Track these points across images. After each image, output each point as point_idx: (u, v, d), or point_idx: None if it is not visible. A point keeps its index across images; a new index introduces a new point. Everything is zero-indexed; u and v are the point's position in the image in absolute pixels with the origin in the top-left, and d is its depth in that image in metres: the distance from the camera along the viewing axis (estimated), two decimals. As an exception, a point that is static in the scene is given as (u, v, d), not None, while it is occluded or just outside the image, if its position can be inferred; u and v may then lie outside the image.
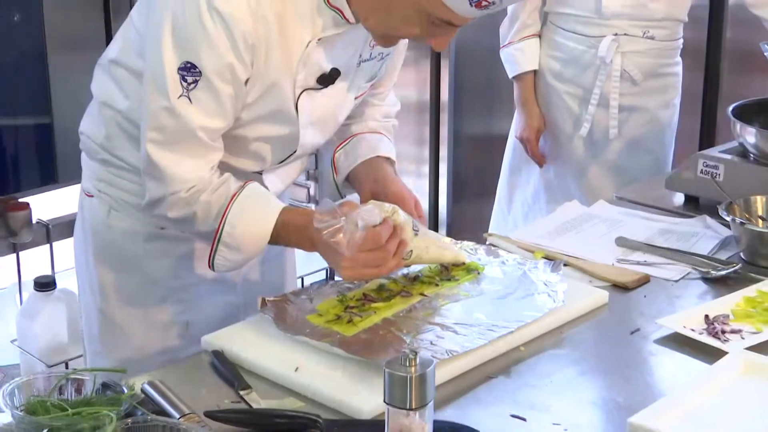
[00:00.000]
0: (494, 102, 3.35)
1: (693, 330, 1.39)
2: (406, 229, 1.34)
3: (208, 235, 1.36)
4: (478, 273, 1.52)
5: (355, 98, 1.47)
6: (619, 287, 1.56)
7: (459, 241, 1.63)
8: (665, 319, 1.42)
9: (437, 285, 1.47)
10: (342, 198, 1.56)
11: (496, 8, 1.26)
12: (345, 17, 1.33)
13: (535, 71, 2.45)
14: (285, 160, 1.46)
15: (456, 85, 3.26)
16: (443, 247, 1.47)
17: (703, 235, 1.75)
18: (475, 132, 3.39)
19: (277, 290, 1.58)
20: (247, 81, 1.32)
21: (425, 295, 1.44)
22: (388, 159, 1.53)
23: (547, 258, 1.62)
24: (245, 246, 1.35)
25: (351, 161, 1.53)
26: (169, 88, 1.28)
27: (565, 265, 1.58)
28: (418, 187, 3.34)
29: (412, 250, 1.38)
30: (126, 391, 1.13)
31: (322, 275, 2.94)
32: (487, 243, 1.73)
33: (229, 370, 1.27)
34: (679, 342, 1.38)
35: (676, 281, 1.58)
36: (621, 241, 1.72)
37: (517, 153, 2.57)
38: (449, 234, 3.24)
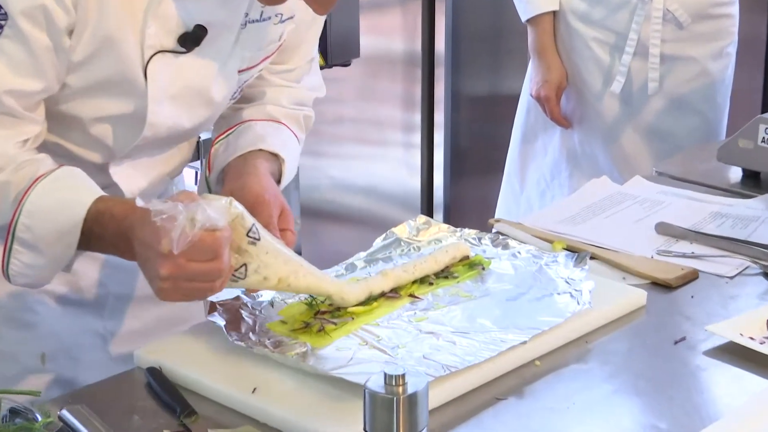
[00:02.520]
0: (502, 53, 3.36)
1: (752, 339, 1.40)
2: (236, 230, 1.23)
3: (3, 229, 1.27)
4: (483, 269, 1.53)
5: (240, 71, 1.42)
6: (660, 285, 1.57)
7: (459, 229, 1.64)
8: (717, 326, 1.43)
9: (431, 284, 1.48)
10: None
11: None
12: None
13: (554, 12, 2.46)
14: (138, 147, 1.40)
15: (454, 32, 3.26)
16: (318, 276, 1.34)
17: (765, 219, 1.77)
18: (479, 91, 3.40)
19: (178, 310, 1.55)
20: (71, 32, 1.26)
21: (416, 297, 1.45)
22: (274, 155, 1.47)
23: (570, 249, 1.63)
24: (47, 245, 1.25)
25: (228, 155, 1.47)
26: None
27: (591, 258, 1.59)
28: (407, 161, 3.35)
29: (246, 266, 1.25)
30: (40, 419, 1.13)
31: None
32: (494, 231, 1.74)
33: (168, 392, 1.28)
34: (734, 353, 1.39)
35: (731, 278, 1.60)
36: (662, 228, 1.74)
37: (532, 116, 2.58)
38: (446, 220, 3.25)
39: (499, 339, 1.34)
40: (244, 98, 1.52)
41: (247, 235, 1.24)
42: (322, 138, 3.49)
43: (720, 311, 1.51)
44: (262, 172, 1.42)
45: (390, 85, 3.35)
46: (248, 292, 1.40)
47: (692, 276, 1.60)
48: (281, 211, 1.38)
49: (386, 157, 3.40)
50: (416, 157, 3.33)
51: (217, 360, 1.33)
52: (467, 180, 3.38)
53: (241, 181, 1.39)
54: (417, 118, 3.31)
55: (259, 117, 1.52)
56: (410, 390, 1.03)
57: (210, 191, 1.49)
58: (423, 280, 1.49)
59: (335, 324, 1.36)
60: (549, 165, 2.57)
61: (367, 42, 2.92)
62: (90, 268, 1.50)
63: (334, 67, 2.80)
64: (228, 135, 1.50)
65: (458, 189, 3.36)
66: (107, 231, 1.25)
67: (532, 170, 2.60)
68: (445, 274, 1.51)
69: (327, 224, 3.63)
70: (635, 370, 1.38)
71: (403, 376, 1.03)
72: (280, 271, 1.27)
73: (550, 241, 1.67)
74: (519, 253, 1.57)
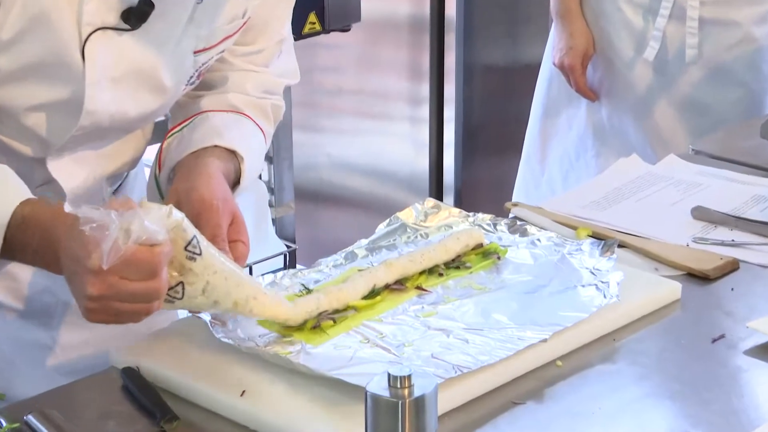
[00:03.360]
0: (520, 17, 3.35)
1: (799, 335, 1.41)
2: (176, 243, 1.18)
3: None
4: (499, 258, 1.53)
5: (196, 53, 1.40)
6: (696, 277, 1.58)
7: (471, 214, 1.64)
8: (760, 322, 1.44)
9: (441, 275, 1.49)
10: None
11: None
12: None
13: (580, -29, 2.46)
14: (76, 138, 1.37)
15: (467, -6, 3.27)
16: (258, 289, 1.29)
17: (814, 202, 1.77)
18: (494, 60, 3.40)
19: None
20: None
21: (424, 290, 1.46)
22: (232, 152, 1.42)
23: (595, 237, 1.63)
24: None
25: (180, 150, 1.42)
26: None
27: (619, 246, 1.60)
28: (413, 138, 3.35)
29: (182, 284, 1.21)
30: (4, 424, 1.14)
31: (277, 263, 2.95)
32: (511, 216, 1.74)
33: (148, 395, 1.28)
34: (779, 352, 1.40)
35: (777, 268, 1.61)
36: (699, 213, 1.74)
37: (554, 87, 2.58)
38: (457, 204, 3.26)
39: (516, 337, 1.34)
40: (204, 84, 1.48)
41: (185, 249, 1.18)
42: (319, 112, 3.50)
43: (763, 306, 1.51)
44: (213, 173, 1.37)
45: (395, 53, 3.35)
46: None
47: (732, 266, 1.60)
48: (232, 220, 1.34)
49: (390, 134, 3.40)
50: (424, 134, 3.33)
51: (201, 359, 1.34)
52: (481, 159, 3.38)
53: (189, 184, 1.35)
54: (425, 90, 3.31)
55: (219, 107, 1.48)
56: (417, 393, 1.03)
57: (160, 192, 1.46)
58: (431, 271, 1.49)
59: (334, 320, 1.37)
60: (573, 142, 2.56)
61: (368, 4, 2.92)
62: (36, 274, 1.45)
63: (332, 33, 2.80)
64: (182, 128, 1.46)
65: (471, 169, 3.37)
66: (32, 240, 1.21)
67: (554, 148, 2.60)
68: (456, 264, 1.51)
69: (324, 208, 3.63)
70: (668, 371, 1.38)
71: (410, 377, 1.03)
72: (234, 294, 1.24)
73: (574, 228, 1.67)
74: (539, 240, 1.58)
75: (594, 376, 1.35)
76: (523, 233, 1.60)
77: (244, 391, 1.27)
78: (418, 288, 1.46)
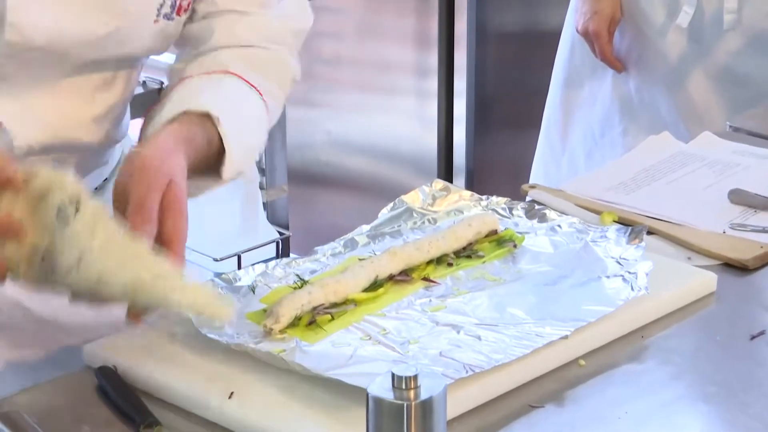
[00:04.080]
0: (540, -23, 3.35)
1: None
2: (44, 198, 1.13)
3: None
4: (515, 246, 1.54)
5: None
6: (734, 267, 1.58)
7: (484, 197, 1.64)
8: (805, 316, 1.44)
9: (450, 265, 1.49)
10: None
11: None
12: None
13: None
14: (14, 67, 1.31)
15: (480, -50, 3.26)
16: (172, 271, 1.19)
17: None
18: (509, 26, 3.40)
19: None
20: None
21: (432, 281, 1.46)
22: (206, 116, 1.33)
23: (622, 222, 1.63)
24: None
25: (154, 126, 1.35)
26: None
27: (649, 233, 1.60)
28: (420, 113, 3.35)
29: (49, 253, 1.14)
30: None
31: (269, 251, 2.96)
32: (528, 199, 1.74)
33: (126, 398, 1.29)
34: (825, 350, 1.40)
35: (823, 257, 1.61)
36: (737, 196, 1.74)
37: (577, 57, 2.58)
38: (469, 186, 3.26)
39: (534, 333, 1.35)
40: (192, 41, 1.43)
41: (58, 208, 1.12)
42: (315, 84, 3.49)
43: (808, 299, 1.52)
44: (162, 136, 1.28)
45: (399, 19, 3.35)
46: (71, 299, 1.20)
47: (774, 255, 1.60)
48: (169, 186, 1.23)
49: (395, 108, 3.40)
50: (432, 108, 3.33)
51: (185, 358, 1.34)
52: (495, 136, 3.38)
53: (135, 150, 1.27)
54: (433, 59, 3.31)
55: (201, 71, 1.40)
56: (424, 395, 1.03)
57: None
58: (440, 261, 1.49)
59: (331, 315, 1.37)
60: (598, 118, 2.56)
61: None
62: None
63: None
64: (162, 102, 1.38)
65: (484, 147, 3.37)
66: None
67: (577, 124, 2.60)
68: (467, 252, 1.52)
69: (321, 191, 3.63)
70: (702, 371, 1.38)
71: (416, 377, 1.03)
72: (129, 269, 1.14)
73: (598, 212, 1.68)
74: (559, 226, 1.58)
75: (620, 377, 1.36)
76: (542, 218, 1.60)
77: (232, 393, 1.27)
78: (425, 279, 1.46)
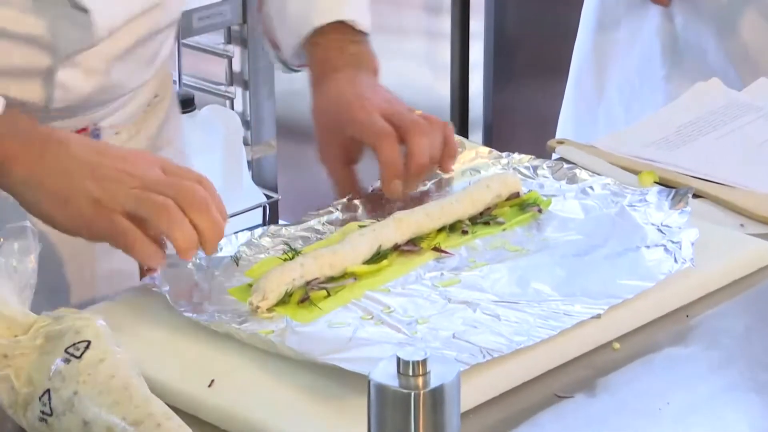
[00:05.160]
0: None
1: None
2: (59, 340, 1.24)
3: None
4: (540, 211, 1.54)
5: None
6: (795, 236, 1.59)
7: (505, 154, 1.64)
8: None
9: (465, 233, 1.50)
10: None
11: None
12: None
13: None
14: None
15: None
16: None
17: None
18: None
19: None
20: None
21: (444, 252, 1.47)
22: (356, 32, 1.62)
23: (664, 184, 1.64)
24: None
25: (289, 31, 1.61)
26: None
27: (695, 196, 1.60)
28: (431, 57, 3.34)
29: (49, 392, 1.22)
30: None
31: (255, 217, 2.96)
32: (556, 157, 1.74)
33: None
34: None
35: None
36: (799, 153, 1.74)
37: (612, -10, 2.57)
38: (487, 142, 3.26)
39: (562, 312, 1.35)
40: None
41: (66, 350, 1.22)
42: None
43: None
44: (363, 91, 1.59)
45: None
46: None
47: (840, 223, 1.61)
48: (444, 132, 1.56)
49: (402, 52, 3.39)
50: (445, 52, 3.33)
51: (158, 340, 1.35)
52: (517, 84, 3.38)
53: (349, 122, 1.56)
54: (446, -4, 3.31)
55: None
56: (434, 383, 1.04)
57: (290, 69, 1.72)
58: (453, 228, 1.50)
59: (327, 290, 1.38)
60: (636, 62, 2.56)
61: None
62: None
63: None
64: None
65: (504, 97, 3.36)
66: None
67: (612, 70, 2.59)
68: (485, 218, 1.52)
69: (314, 147, 3.63)
70: (755, 356, 1.38)
71: (425, 362, 1.04)
72: (114, 412, 1.19)
73: (636, 172, 1.68)
74: (591, 188, 1.58)
75: (660, 363, 1.36)
76: (571, 179, 1.60)
77: (212, 381, 1.28)
78: (436, 249, 1.47)
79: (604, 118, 2.60)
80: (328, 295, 1.38)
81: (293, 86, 3.53)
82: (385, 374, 1.05)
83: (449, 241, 1.48)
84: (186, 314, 1.34)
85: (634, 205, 1.54)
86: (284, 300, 1.36)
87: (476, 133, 3.32)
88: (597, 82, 2.62)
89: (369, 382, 1.05)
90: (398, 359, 1.04)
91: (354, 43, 1.65)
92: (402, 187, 1.52)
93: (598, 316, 1.36)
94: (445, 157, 1.56)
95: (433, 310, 1.36)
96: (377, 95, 1.59)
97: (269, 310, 1.35)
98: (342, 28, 1.64)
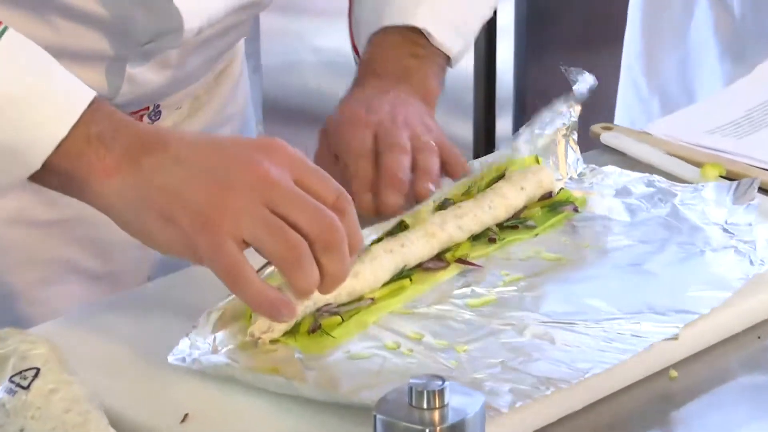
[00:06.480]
0: None
1: None
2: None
3: None
4: (576, 210, 1.55)
5: None
6: None
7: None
8: None
9: (493, 240, 1.50)
10: None
11: None
12: None
13: None
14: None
15: None
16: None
17: None
18: None
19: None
20: None
21: (470, 263, 1.46)
22: (426, 47, 1.66)
23: (731, 178, 1.64)
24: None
25: (363, 33, 1.71)
26: None
27: (762, 189, 1.59)
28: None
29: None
30: None
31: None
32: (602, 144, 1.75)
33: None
34: None
35: None
36: None
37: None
38: (517, 126, 3.26)
39: (629, 332, 1.34)
40: None
41: (10, 379, 1.21)
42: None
43: None
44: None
45: None
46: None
47: None
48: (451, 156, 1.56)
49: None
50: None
51: (122, 366, 1.35)
52: (552, 57, 3.38)
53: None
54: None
55: None
56: (453, 418, 1.03)
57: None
58: (479, 234, 1.50)
59: (339, 314, 1.37)
60: (694, 36, 2.57)
61: None
62: None
63: None
64: None
65: (537, 72, 3.37)
66: (110, 130, 1.34)
67: (666, 43, 2.60)
68: (513, 221, 1.52)
69: (308, 131, 3.63)
70: None
71: (442, 392, 1.04)
72: None
73: (698, 164, 1.68)
74: (633, 184, 1.60)
75: (730, 394, 1.35)
76: (618, 173, 1.62)
77: (185, 416, 1.28)
78: (461, 261, 1.46)
79: (655, 99, 2.61)
80: (342, 320, 1.37)
81: (284, 60, 3.55)
82: (394, 407, 1.04)
83: (475, 250, 1.48)
84: (173, 363, 1.32)
85: (688, 204, 1.55)
86: (292, 330, 1.35)
87: (505, 117, 3.32)
88: (647, 59, 2.63)
89: (375, 417, 1.05)
90: (410, 389, 1.04)
91: (415, 57, 1.67)
92: (372, 201, 1.50)
93: (676, 337, 1.35)
94: (450, 171, 1.57)
95: (471, 334, 1.35)
96: (390, 113, 1.58)
97: (272, 341, 1.34)
98: (412, 37, 1.67)
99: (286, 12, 3.50)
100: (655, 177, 1.61)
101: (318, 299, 1.35)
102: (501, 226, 1.52)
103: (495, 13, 3.26)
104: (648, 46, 2.62)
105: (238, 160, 1.31)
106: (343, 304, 1.38)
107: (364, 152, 1.52)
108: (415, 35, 1.66)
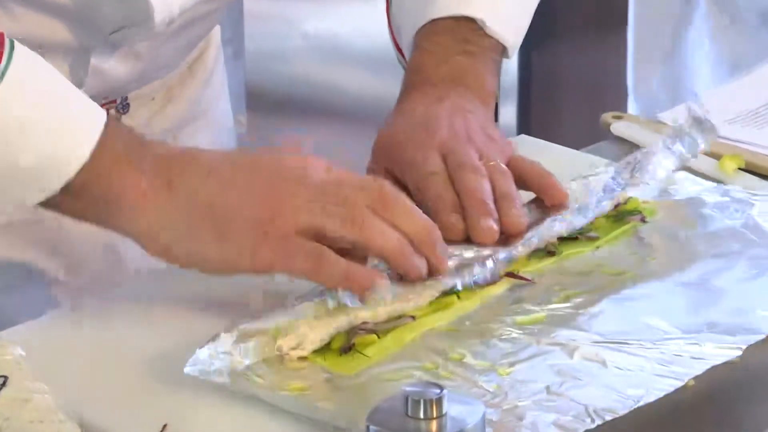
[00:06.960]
0: None
1: None
2: None
3: None
4: (643, 220, 1.54)
5: None
6: None
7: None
8: None
9: (553, 253, 1.49)
10: None
11: None
12: None
13: None
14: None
15: None
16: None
17: None
18: None
19: None
20: None
21: (521, 278, 1.45)
22: (481, 38, 1.63)
23: (750, 171, 1.66)
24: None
25: (407, 28, 1.67)
26: None
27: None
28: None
29: None
30: None
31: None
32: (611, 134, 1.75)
33: None
34: None
35: None
36: None
37: None
38: (522, 115, 3.26)
39: (688, 354, 1.32)
40: None
41: None
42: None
43: None
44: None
45: None
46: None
47: None
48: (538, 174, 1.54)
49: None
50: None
51: (96, 374, 1.36)
52: (563, 42, 3.39)
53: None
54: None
55: None
56: (451, 428, 1.04)
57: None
58: (534, 247, 1.49)
59: (376, 333, 1.36)
60: (716, 11, 2.57)
61: None
62: None
63: None
64: None
65: (546, 57, 3.37)
66: (126, 152, 1.36)
67: (685, 22, 2.60)
68: (576, 231, 1.52)
69: (295, 123, 3.64)
70: None
71: (440, 401, 1.04)
72: None
73: (717, 156, 1.68)
74: (718, 192, 1.60)
75: None
76: (642, 169, 1.60)
77: (164, 426, 1.28)
78: (511, 275, 1.45)
79: (673, 83, 2.62)
80: (378, 338, 1.35)
81: (271, 46, 3.56)
82: (388, 417, 1.05)
83: (531, 264, 1.47)
84: (190, 373, 1.31)
85: (714, 204, 1.56)
86: (322, 348, 1.34)
87: (509, 105, 3.32)
88: (661, 39, 2.64)
89: (367, 428, 1.05)
90: (406, 398, 1.04)
91: (467, 54, 1.64)
92: (461, 223, 1.48)
93: (738, 359, 1.33)
94: (542, 192, 1.55)
95: (517, 355, 1.34)
96: (453, 126, 1.56)
97: (300, 358, 1.34)
98: (462, 30, 1.64)
99: (271, -5, 3.52)
100: (731, 187, 1.60)
101: (354, 317, 1.35)
102: (561, 237, 1.51)
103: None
104: (651, 33, 2.63)
105: (272, 169, 1.37)
106: (381, 324, 1.37)
107: (438, 171, 1.50)
108: (466, 27, 1.63)
